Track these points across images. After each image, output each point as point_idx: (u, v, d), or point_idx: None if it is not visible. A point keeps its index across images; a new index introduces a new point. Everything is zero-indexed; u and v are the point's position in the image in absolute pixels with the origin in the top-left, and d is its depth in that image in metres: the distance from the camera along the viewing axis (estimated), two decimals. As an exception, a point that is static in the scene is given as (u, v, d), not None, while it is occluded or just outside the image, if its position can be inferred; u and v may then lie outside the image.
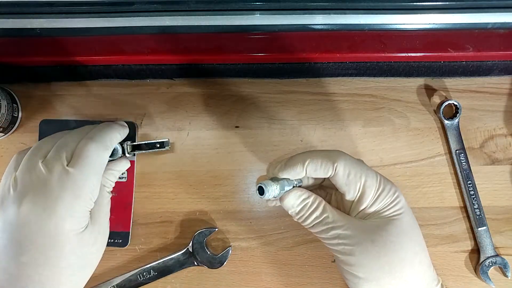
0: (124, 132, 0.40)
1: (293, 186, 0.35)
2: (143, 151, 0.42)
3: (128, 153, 0.41)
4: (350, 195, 0.34)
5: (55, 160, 0.34)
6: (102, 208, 0.38)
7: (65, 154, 0.34)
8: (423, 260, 0.34)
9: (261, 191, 0.33)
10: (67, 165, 0.34)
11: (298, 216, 0.35)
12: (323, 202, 0.35)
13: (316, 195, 0.35)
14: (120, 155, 0.41)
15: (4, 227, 0.32)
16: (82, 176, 0.34)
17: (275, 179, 0.35)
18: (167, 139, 0.42)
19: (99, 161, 0.35)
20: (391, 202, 0.34)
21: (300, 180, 0.36)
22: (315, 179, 0.38)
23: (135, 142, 0.43)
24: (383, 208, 0.34)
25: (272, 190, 0.33)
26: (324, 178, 0.37)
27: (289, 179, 0.35)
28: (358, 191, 0.34)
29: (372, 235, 0.33)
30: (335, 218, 0.34)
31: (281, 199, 0.35)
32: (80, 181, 0.33)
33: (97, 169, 0.35)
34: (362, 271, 0.33)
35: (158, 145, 0.42)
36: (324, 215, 0.34)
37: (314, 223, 0.35)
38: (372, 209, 0.34)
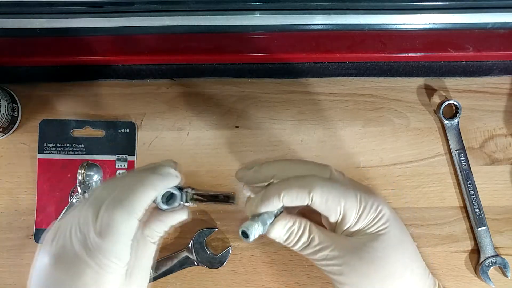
0: (163, 184, 0.33)
1: (275, 216, 0.34)
2: (204, 202, 0.36)
3: (187, 202, 0.35)
4: (332, 219, 0.34)
5: (86, 225, 0.30)
6: (142, 264, 0.33)
7: (94, 216, 0.30)
8: (414, 270, 0.34)
9: (245, 235, 0.32)
10: (95, 231, 0.30)
11: (286, 243, 0.35)
12: (308, 225, 0.34)
13: (301, 219, 0.35)
14: (178, 204, 0.34)
15: (45, 267, 0.30)
16: (107, 246, 0.30)
17: (254, 216, 0.34)
18: (232, 193, 0.36)
19: (123, 230, 0.30)
20: (375, 218, 0.34)
21: (282, 207, 0.35)
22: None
23: (198, 191, 0.36)
24: (367, 225, 0.34)
25: (255, 230, 0.32)
26: None
27: (268, 212, 0.34)
28: (340, 214, 0.34)
29: (360, 252, 0.33)
30: (321, 240, 0.34)
31: (267, 233, 0.34)
32: (106, 250, 0.30)
33: (121, 238, 0.30)
34: None
35: (222, 197, 0.36)
36: (311, 238, 0.34)
37: (302, 247, 0.34)
38: (356, 228, 0.34)
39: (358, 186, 0.36)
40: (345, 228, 0.34)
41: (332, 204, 0.33)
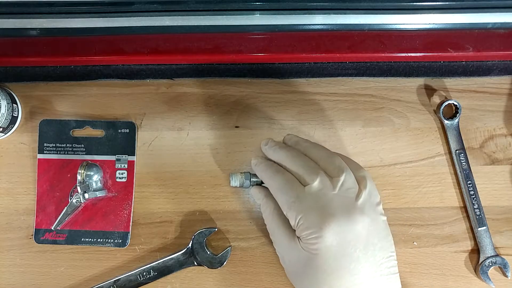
0: None
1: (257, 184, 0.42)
2: None
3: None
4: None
5: None
6: None
7: None
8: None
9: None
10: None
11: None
12: (270, 214, 0.38)
13: (269, 204, 0.38)
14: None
15: None
16: None
17: (248, 173, 0.43)
18: None
19: None
20: (314, 237, 0.33)
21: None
22: None
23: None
24: (307, 237, 0.34)
25: (237, 178, 0.42)
26: None
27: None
28: (294, 219, 0.36)
29: (303, 267, 0.34)
30: (275, 240, 0.38)
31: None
32: None
33: None
34: None
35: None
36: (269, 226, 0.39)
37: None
38: (298, 234, 0.35)
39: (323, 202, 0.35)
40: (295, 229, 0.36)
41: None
